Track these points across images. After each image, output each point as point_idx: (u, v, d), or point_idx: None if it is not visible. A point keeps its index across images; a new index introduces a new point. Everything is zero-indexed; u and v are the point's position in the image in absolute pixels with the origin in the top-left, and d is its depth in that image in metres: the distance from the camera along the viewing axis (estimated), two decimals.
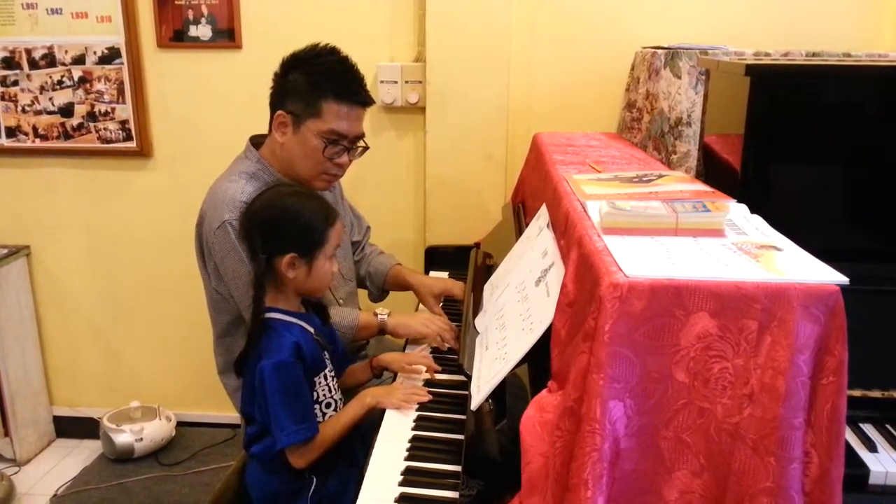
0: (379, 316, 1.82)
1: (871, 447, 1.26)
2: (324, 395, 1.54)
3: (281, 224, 1.48)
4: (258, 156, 1.78)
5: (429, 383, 1.61)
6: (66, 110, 2.62)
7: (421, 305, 2.04)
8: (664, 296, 0.90)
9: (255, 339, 1.48)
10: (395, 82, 2.44)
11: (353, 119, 1.73)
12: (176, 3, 2.48)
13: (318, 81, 1.69)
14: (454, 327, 1.80)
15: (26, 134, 2.66)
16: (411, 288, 2.05)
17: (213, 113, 2.59)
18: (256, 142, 1.82)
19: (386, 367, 1.68)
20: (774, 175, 1.44)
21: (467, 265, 2.12)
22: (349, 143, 1.75)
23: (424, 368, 1.63)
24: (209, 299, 1.82)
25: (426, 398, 1.53)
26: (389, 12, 2.44)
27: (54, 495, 2.58)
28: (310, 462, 1.47)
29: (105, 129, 2.63)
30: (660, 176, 1.49)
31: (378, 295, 2.15)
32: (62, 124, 2.63)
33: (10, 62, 2.59)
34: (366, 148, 1.82)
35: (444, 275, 2.29)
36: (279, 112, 1.71)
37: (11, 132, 2.66)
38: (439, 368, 1.64)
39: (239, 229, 1.60)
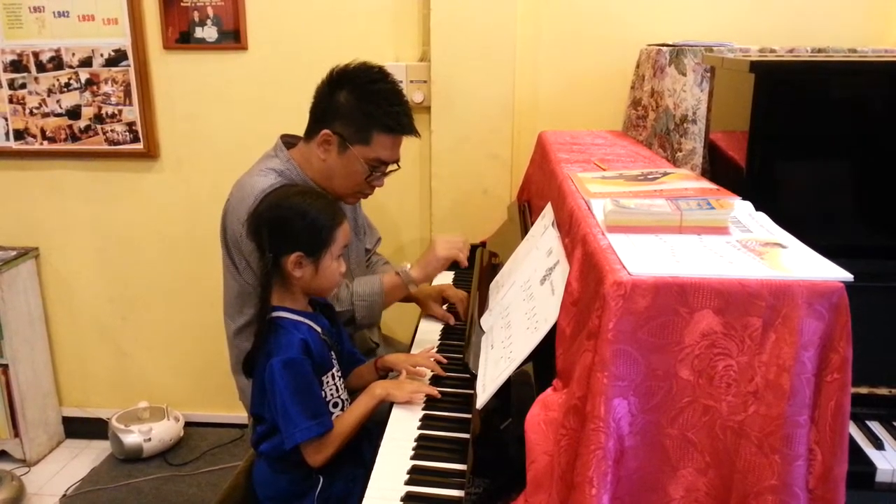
0: (401, 272, 1.83)
1: (879, 445, 1.25)
2: (331, 394, 1.54)
3: (287, 223, 1.48)
4: (288, 156, 1.80)
5: (435, 382, 1.61)
6: (74, 112, 2.64)
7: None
8: (668, 294, 0.90)
9: (263, 339, 1.48)
10: (401, 82, 2.41)
11: (397, 146, 1.80)
12: (182, 4, 2.49)
13: (371, 111, 1.73)
14: (467, 241, 1.86)
15: (34, 136, 2.67)
16: (411, 298, 2.07)
17: (219, 114, 2.60)
18: (287, 141, 1.84)
19: (391, 367, 1.68)
20: (779, 172, 1.43)
21: (473, 264, 2.12)
22: (387, 167, 1.81)
23: (429, 371, 1.63)
24: (235, 291, 1.81)
25: (435, 393, 1.52)
26: (394, 12, 2.44)
27: (64, 495, 2.60)
28: (326, 458, 1.47)
29: (112, 130, 2.64)
30: (665, 174, 1.48)
31: None
32: (69, 126, 2.65)
33: (18, 65, 2.60)
34: (397, 168, 1.85)
35: (450, 274, 2.29)
36: (326, 131, 1.74)
37: (19, 134, 2.67)
38: (444, 368, 1.63)
39: (246, 228, 1.60)
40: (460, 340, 1.81)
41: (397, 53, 2.47)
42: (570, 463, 0.94)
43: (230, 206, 1.75)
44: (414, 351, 1.79)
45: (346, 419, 1.50)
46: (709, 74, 1.81)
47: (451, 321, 1.99)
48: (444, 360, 1.64)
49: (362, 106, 1.73)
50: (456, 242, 1.83)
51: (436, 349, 1.78)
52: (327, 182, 1.79)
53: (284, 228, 1.48)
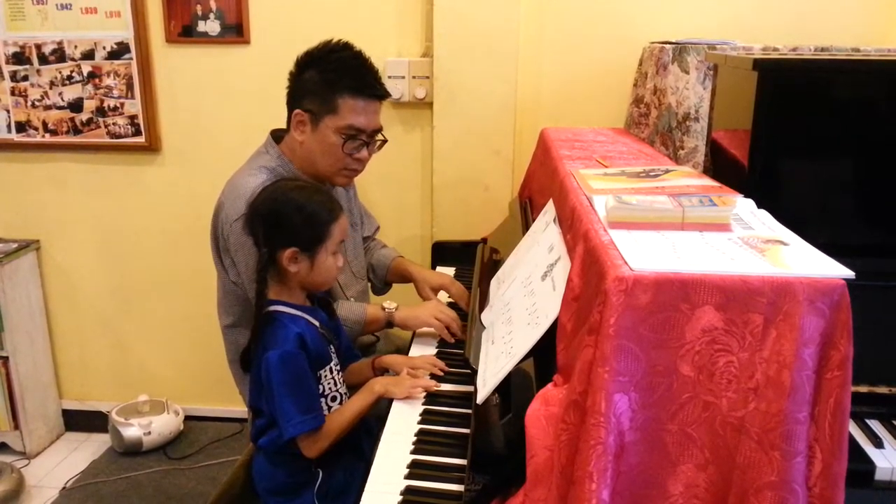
0: (386, 309, 1.83)
1: (878, 443, 1.25)
2: (329, 388, 1.54)
3: (283, 218, 1.48)
4: (279, 151, 1.79)
5: (434, 377, 1.61)
6: (76, 105, 2.64)
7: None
8: (669, 289, 0.90)
9: (259, 333, 1.49)
10: (403, 77, 2.44)
11: (370, 113, 1.76)
12: None
13: (332, 78, 1.71)
14: (459, 320, 1.82)
15: (36, 129, 2.67)
16: (411, 279, 2.06)
17: (221, 108, 2.60)
18: (277, 136, 1.83)
19: (388, 368, 1.68)
20: (782, 170, 1.43)
21: (474, 260, 2.12)
22: (367, 138, 1.78)
23: (427, 374, 1.62)
24: (223, 289, 1.83)
25: (434, 386, 1.52)
26: (397, 7, 2.44)
27: (63, 488, 2.60)
28: (321, 451, 1.47)
29: (114, 123, 2.64)
30: (667, 171, 1.48)
31: (381, 287, 2.16)
32: (71, 119, 2.65)
33: (20, 57, 2.60)
34: (384, 141, 1.83)
35: (451, 270, 2.29)
36: (297, 111, 1.73)
37: (21, 127, 2.67)
38: (444, 372, 1.62)
39: (243, 222, 1.60)
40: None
41: (400, 49, 2.47)
42: (570, 458, 0.94)
43: (220, 205, 1.75)
44: (413, 347, 1.79)
45: (344, 414, 1.50)
46: (711, 72, 1.81)
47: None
48: (445, 368, 1.62)
49: (324, 76, 1.72)
50: (449, 319, 1.80)
51: (436, 346, 1.78)
52: (311, 166, 1.77)
53: (280, 223, 1.48)
